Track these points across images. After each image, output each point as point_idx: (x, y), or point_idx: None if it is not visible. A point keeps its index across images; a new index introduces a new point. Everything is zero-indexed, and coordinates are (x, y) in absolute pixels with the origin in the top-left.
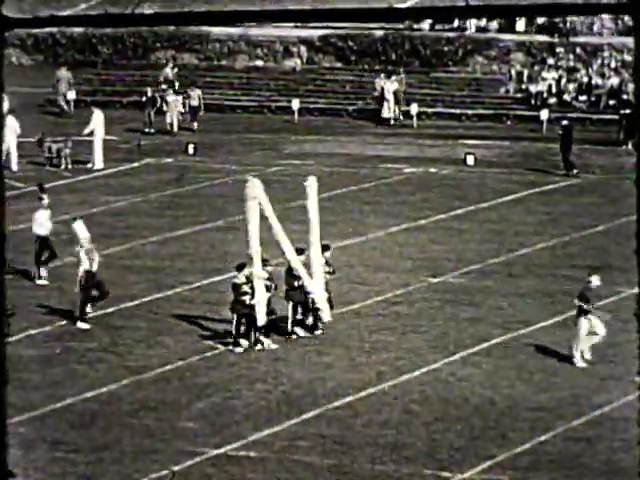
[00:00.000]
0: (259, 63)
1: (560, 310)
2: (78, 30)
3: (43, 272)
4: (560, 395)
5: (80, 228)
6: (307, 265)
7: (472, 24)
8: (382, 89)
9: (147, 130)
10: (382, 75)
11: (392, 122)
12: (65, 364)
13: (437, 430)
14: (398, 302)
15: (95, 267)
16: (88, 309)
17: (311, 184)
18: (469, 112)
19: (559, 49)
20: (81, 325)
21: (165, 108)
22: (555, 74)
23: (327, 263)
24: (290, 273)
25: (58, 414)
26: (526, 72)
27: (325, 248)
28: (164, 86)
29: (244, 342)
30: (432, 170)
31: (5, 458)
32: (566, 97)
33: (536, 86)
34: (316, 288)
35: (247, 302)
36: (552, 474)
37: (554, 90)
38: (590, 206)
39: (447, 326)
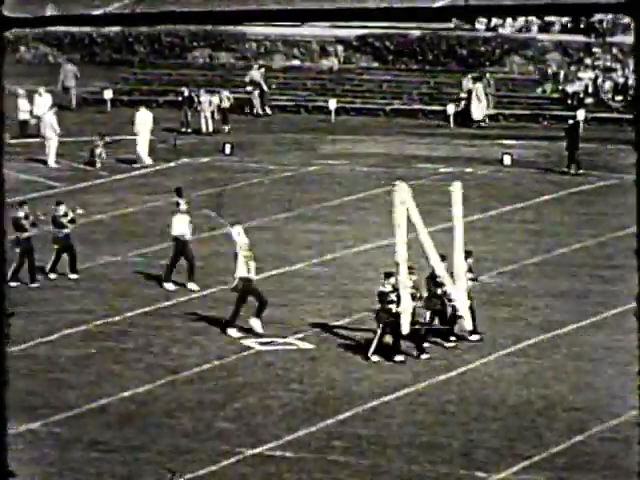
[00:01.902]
0: (296, 63)
1: (596, 311)
2: (115, 29)
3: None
4: (596, 395)
5: (238, 234)
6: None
7: (510, 24)
8: (469, 90)
9: (183, 130)
10: (469, 76)
11: (483, 124)
12: (101, 364)
13: (473, 430)
14: None
15: (253, 274)
16: (258, 326)
17: (456, 189)
18: (506, 112)
19: (595, 49)
20: (231, 332)
21: (199, 108)
22: (591, 74)
23: (470, 270)
24: (433, 280)
25: (94, 414)
26: (562, 72)
27: (468, 254)
28: (249, 88)
29: (399, 357)
30: (469, 170)
31: (5, 458)
32: (602, 97)
33: (572, 86)
34: (459, 295)
35: (393, 311)
36: (588, 474)
37: (590, 90)
38: (626, 206)
39: (483, 326)
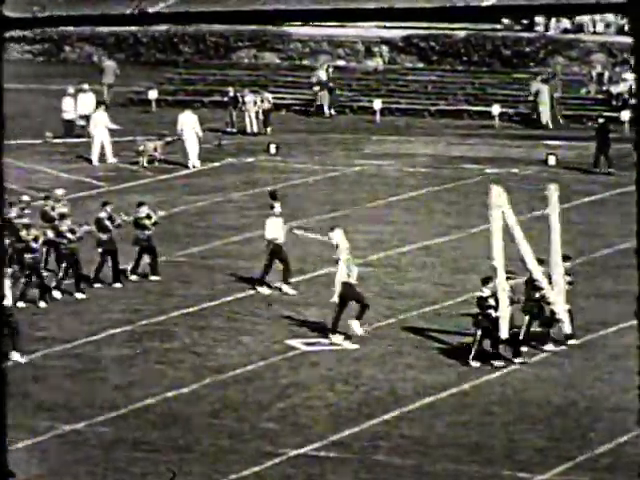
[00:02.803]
0: (341, 63)
1: None
2: (160, 29)
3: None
4: None
5: (339, 237)
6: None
7: (555, 25)
8: (537, 92)
9: (228, 130)
10: (538, 78)
11: (550, 126)
12: (146, 364)
13: (517, 431)
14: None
15: (354, 279)
16: (358, 328)
17: (552, 192)
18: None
19: None
20: (333, 338)
21: (244, 108)
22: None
23: (567, 273)
24: (531, 284)
25: (139, 414)
26: (607, 73)
27: (566, 258)
28: (316, 88)
29: (499, 363)
30: (513, 171)
31: (5, 458)
32: None
33: (617, 87)
34: (557, 299)
35: (492, 315)
36: (632, 476)
37: (635, 91)
38: None
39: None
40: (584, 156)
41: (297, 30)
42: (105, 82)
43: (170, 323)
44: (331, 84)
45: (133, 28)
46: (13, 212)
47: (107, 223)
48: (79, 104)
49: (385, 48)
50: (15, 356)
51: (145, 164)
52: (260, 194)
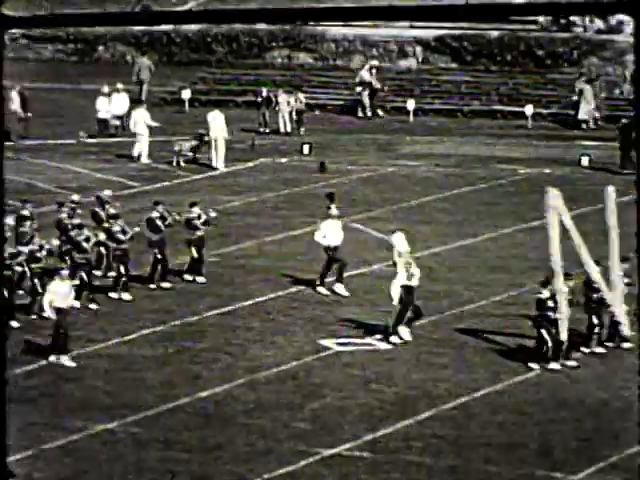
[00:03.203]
0: (375, 63)
1: None
2: (193, 28)
3: (341, 289)
4: None
5: (399, 240)
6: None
7: (590, 25)
8: (580, 91)
9: (262, 130)
10: (582, 78)
11: (590, 125)
12: (179, 364)
13: (550, 431)
14: (512, 303)
15: (415, 282)
16: (407, 334)
17: (609, 193)
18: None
19: None
20: (394, 339)
21: (277, 108)
22: None
23: (625, 274)
24: (589, 286)
25: (172, 414)
26: None
27: (624, 259)
28: (359, 88)
29: (555, 365)
30: (547, 171)
31: (5, 458)
32: None
33: None
34: (616, 301)
35: (552, 317)
36: None
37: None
38: None
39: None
40: (618, 157)
41: (331, 30)
42: (141, 79)
43: (204, 323)
44: (375, 85)
45: (166, 27)
46: (63, 212)
47: (159, 223)
48: (113, 104)
49: (419, 48)
50: (63, 359)
51: (181, 164)
52: (293, 194)
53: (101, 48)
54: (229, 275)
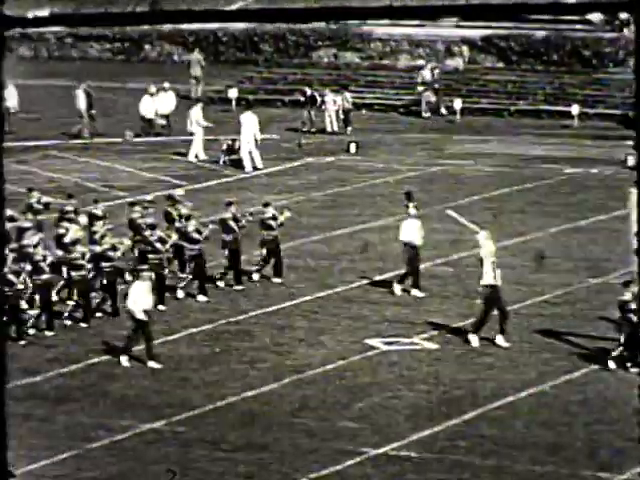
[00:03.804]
0: (421, 62)
1: None
2: (239, 27)
3: (397, 290)
4: None
5: (485, 239)
6: None
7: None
8: None
9: (307, 129)
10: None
11: None
12: (225, 363)
13: (597, 431)
14: (558, 303)
15: (499, 281)
16: (503, 341)
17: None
18: (630, 113)
19: None
20: (472, 338)
21: (323, 107)
22: None
23: None
24: None
25: (218, 413)
26: None
27: None
28: (420, 88)
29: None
30: (593, 171)
31: (5, 458)
32: None
33: None
34: None
35: (634, 320)
36: None
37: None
38: None
39: (608, 327)
40: None
41: (378, 29)
42: (194, 75)
43: (250, 322)
44: (437, 85)
45: (214, 26)
46: (136, 212)
47: (232, 224)
48: (159, 103)
49: (465, 48)
50: (123, 360)
51: (228, 163)
52: (339, 194)
53: (147, 47)
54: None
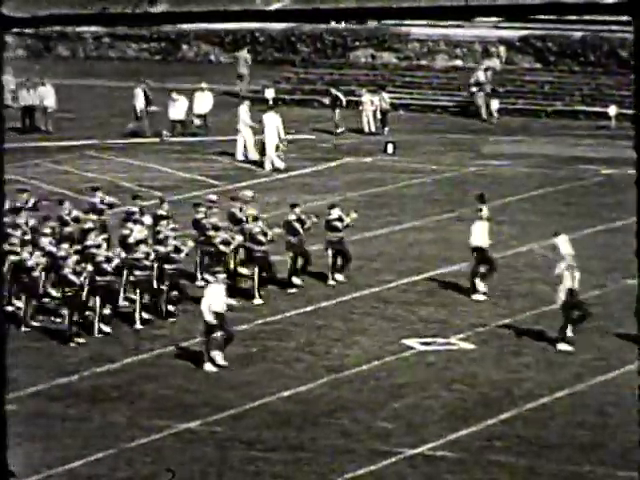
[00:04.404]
0: (458, 63)
1: None
2: (277, 27)
3: (481, 287)
4: None
5: (564, 243)
6: None
7: None
8: None
9: (335, 130)
10: None
11: None
12: (262, 363)
13: (632, 432)
14: (593, 303)
15: (577, 285)
16: (569, 331)
17: None
18: None
19: None
20: (562, 347)
21: (361, 108)
22: None
23: None
24: None
25: (254, 413)
26: None
27: None
28: (474, 89)
29: None
30: (629, 172)
31: (5, 458)
32: None
33: None
34: None
35: None
36: None
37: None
38: None
39: None
40: None
41: (415, 30)
42: (241, 73)
43: (287, 322)
44: (490, 86)
45: (251, 26)
46: (200, 213)
47: (296, 225)
48: (196, 103)
49: (502, 48)
50: (208, 366)
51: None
52: (376, 194)
53: (185, 47)
54: (310, 275)
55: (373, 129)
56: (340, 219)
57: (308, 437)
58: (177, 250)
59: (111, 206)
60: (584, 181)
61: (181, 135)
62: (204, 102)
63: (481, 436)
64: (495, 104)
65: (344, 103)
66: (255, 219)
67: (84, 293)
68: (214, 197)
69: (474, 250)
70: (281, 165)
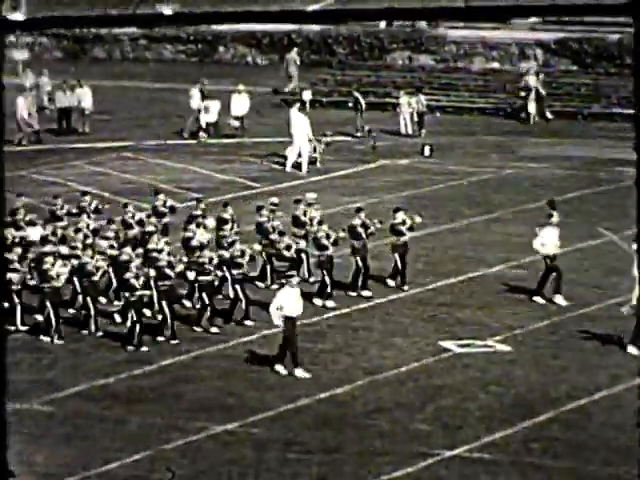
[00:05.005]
0: (495, 65)
1: None
2: (314, 29)
3: (559, 300)
4: None
5: (630, 247)
6: None
7: None
8: None
9: (355, 134)
10: None
11: None
12: (300, 365)
13: None
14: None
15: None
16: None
17: None
18: None
19: None
20: (632, 350)
21: (397, 110)
22: None
23: None
24: None
25: (291, 415)
26: None
27: None
28: (523, 93)
29: None
30: None
31: (5, 458)
32: None
33: None
34: None
35: None
36: None
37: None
38: None
39: None
40: None
41: (452, 32)
42: (290, 74)
43: (325, 324)
44: (541, 90)
45: (288, 28)
46: (263, 216)
47: (360, 230)
48: (233, 105)
49: (539, 51)
50: (298, 372)
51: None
52: (413, 196)
53: (221, 49)
54: (348, 275)
55: (410, 131)
56: (404, 223)
57: (345, 439)
58: (243, 254)
59: (172, 209)
60: (621, 183)
61: (216, 137)
62: (241, 104)
63: (518, 438)
64: (531, 107)
65: (364, 107)
66: (320, 223)
67: (146, 297)
68: (276, 200)
69: (545, 257)
70: (305, 169)
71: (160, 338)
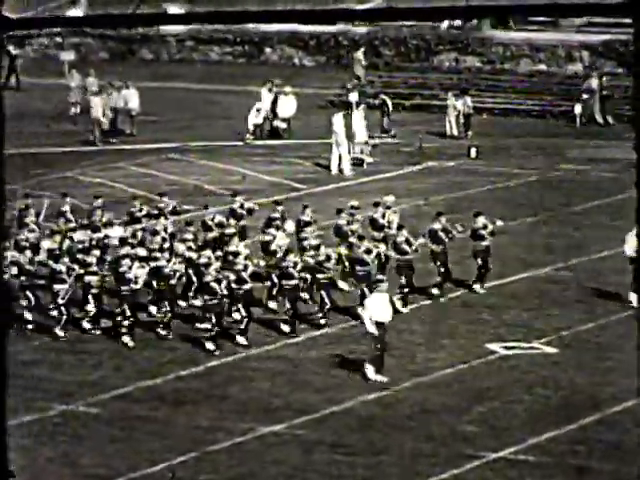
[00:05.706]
0: (542, 67)
1: None
2: (360, 31)
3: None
4: None
5: None
6: None
7: None
8: None
9: (380, 136)
10: None
11: None
12: (346, 367)
13: None
14: None
15: None
16: None
17: None
18: None
19: None
20: None
21: (445, 111)
22: None
23: None
24: None
25: (338, 416)
26: None
27: None
28: (585, 96)
29: None
30: None
31: (5, 458)
32: None
33: None
34: None
35: None
36: None
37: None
38: None
39: None
40: None
41: (499, 34)
42: (354, 74)
43: None
44: (604, 92)
45: (334, 29)
46: (342, 219)
47: (441, 235)
48: (279, 106)
49: (585, 53)
50: (378, 377)
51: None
52: (459, 198)
53: (268, 50)
54: (394, 278)
55: (456, 133)
56: (485, 227)
57: (392, 440)
58: (329, 259)
59: (250, 212)
60: None
61: (269, 137)
62: (287, 105)
63: (563, 440)
64: (578, 108)
65: (391, 109)
66: (399, 227)
67: (226, 302)
68: (356, 203)
69: (632, 261)
70: (348, 172)
71: (242, 341)
